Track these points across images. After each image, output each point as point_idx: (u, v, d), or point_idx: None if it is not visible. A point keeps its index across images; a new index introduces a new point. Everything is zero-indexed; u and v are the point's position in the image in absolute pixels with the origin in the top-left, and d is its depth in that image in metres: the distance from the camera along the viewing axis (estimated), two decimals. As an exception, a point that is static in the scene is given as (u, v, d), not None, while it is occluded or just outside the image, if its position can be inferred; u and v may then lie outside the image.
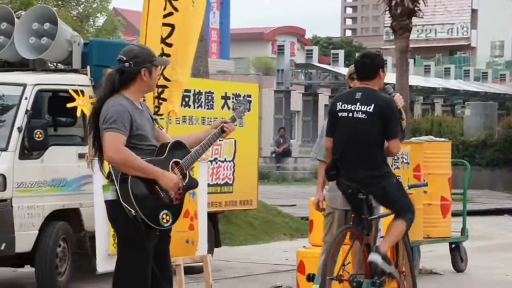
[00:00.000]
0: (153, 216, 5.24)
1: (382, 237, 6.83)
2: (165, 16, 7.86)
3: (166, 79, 8.00)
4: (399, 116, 6.69)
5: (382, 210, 6.85)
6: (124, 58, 5.34)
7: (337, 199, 6.94)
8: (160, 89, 7.98)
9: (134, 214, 5.19)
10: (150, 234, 5.28)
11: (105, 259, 7.74)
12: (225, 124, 5.60)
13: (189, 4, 7.97)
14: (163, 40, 7.88)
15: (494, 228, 16.35)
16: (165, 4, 7.84)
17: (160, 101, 8.01)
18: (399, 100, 6.82)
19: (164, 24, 7.87)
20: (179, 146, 5.42)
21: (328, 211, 7.05)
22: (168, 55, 7.91)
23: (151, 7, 7.84)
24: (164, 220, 5.27)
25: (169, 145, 5.37)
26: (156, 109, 8.05)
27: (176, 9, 7.88)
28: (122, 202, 5.20)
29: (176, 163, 5.37)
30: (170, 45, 7.90)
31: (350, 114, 6.56)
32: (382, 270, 6.48)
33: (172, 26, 7.90)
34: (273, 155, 31.05)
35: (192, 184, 5.49)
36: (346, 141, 6.59)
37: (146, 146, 5.34)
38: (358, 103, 6.56)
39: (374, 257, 6.50)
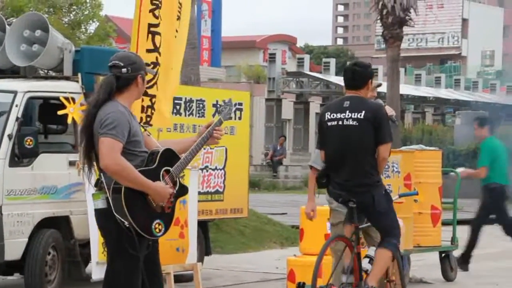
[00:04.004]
0: (146, 227, 5.22)
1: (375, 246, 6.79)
2: (157, 25, 7.87)
3: (157, 88, 7.99)
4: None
5: None
6: (121, 64, 5.31)
7: None
8: (154, 99, 7.95)
9: (127, 225, 5.17)
10: (142, 244, 5.26)
11: (98, 267, 7.73)
12: (213, 129, 5.53)
13: (173, 12, 7.97)
14: (157, 49, 7.87)
15: (484, 237, 16.35)
16: (159, 13, 7.84)
17: (153, 111, 7.99)
18: (389, 110, 6.95)
19: (157, 33, 7.87)
20: (169, 154, 5.40)
21: (339, 220, 6.96)
22: (159, 64, 7.92)
23: (143, 16, 7.84)
24: (157, 230, 5.26)
25: (159, 154, 5.35)
26: (148, 119, 8.01)
27: (159, 18, 7.88)
28: (115, 213, 5.16)
29: (167, 171, 5.35)
30: (161, 54, 7.91)
31: (340, 122, 6.57)
32: None
33: (160, 34, 7.91)
34: (266, 161, 31.01)
35: (183, 191, 5.47)
36: (337, 149, 6.60)
37: (139, 152, 5.33)
38: (347, 111, 6.57)
39: None
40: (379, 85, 7.46)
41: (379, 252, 6.59)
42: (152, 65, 7.83)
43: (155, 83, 7.92)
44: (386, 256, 6.58)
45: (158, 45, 7.88)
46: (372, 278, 6.53)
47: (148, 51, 7.83)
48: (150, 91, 7.88)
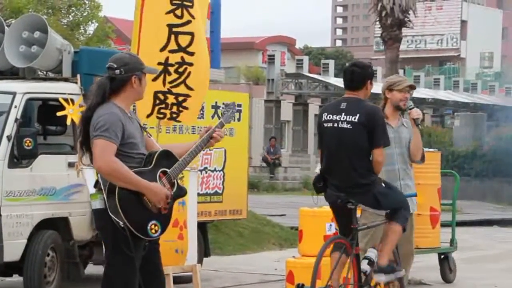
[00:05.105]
0: (142, 227, 5.23)
1: (373, 247, 6.80)
2: (183, 25, 7.86)
3: (189, 88, 7.98)
4: (418, 124, 7.15)
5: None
6: (115, 65, 5.33)
7: None
8: (181, 98, 7.96)
9: (122, 225, 5.18)
10: (138, 244, 5.26)
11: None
12: (214, 131, 5.56)
13: (202, 12, 8.00)
14: (183, 49, 7.86)
15: (483, 239, 16.38)
16: (182, 13, 7.83)
17: (181, 109, 8.00)
18: (416, 113, 7.21)
19: (183, 33, 7.87)
20: (166, 155, 5.41)
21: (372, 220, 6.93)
22: (190, 64, 7.91)
23: (146, 16, 7.82)
24: (153, 231, 5.27)
25: (156, 155, 5.35)
26: (175, 115, 8.01)
27: (193, 17, 7.88)
28: (110, 213, 5.18)
29: (164, 173, 5.35)
30: (192, 54, 7.91)
31: (335, 125, 6.58)
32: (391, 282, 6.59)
33: (191, 34, 7.91)
34: (263, 163, 30.97)
35: (181, 192, 5.47)
36: (332, 152, 6.61)
37: (136, 154, 5.33)
38: (343, 113, 6.58)
39: (379, 278, 6.56)
40: (413, 87, 7.46)
41: (390, 227, 6.63)
42: (177, 65, 7.83)
43: (182, 82, 7.91)
44: (397, 230, 6.63)
45: (184, 45, 7.85)
46: (383, 258, 6.58)
47: (172, 51, 7.81)
48: (175, 90, 7.90)
